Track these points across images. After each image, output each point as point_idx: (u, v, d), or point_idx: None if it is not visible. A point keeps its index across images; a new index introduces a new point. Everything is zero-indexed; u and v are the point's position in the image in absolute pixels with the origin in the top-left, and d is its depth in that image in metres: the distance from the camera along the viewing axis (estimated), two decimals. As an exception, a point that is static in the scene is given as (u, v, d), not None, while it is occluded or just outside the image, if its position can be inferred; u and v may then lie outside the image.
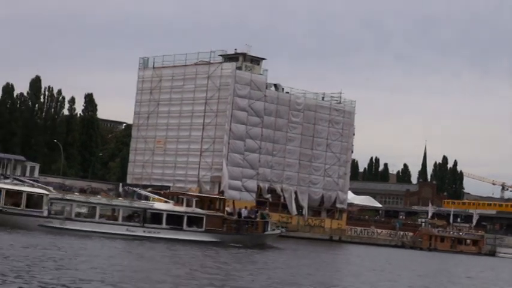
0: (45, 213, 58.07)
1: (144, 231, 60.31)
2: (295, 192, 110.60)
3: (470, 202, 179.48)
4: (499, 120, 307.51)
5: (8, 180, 64.35)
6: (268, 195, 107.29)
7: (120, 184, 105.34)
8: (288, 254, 62.30)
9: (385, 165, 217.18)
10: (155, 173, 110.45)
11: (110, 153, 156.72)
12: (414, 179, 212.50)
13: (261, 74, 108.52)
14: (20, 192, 58.48)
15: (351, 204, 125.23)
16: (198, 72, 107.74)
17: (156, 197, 70.22)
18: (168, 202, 64.65)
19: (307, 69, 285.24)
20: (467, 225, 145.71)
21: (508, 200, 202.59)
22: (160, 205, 63.58)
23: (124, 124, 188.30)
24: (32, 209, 57.84)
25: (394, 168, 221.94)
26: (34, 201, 58.56)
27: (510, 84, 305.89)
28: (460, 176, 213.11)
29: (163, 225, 61.50)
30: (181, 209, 63.12)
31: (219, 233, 63.95)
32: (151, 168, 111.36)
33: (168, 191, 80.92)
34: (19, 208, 57.58)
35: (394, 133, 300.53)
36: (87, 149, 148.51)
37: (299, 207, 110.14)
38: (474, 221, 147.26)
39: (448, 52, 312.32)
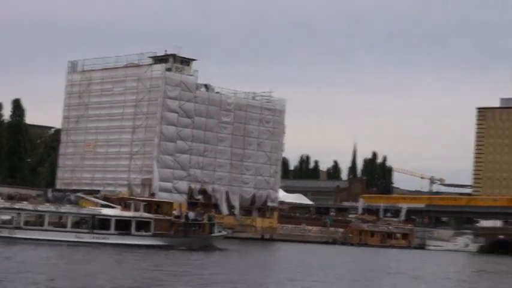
0: None
1: (93, 237, 60.53)
2: (227, 192, 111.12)
3: (399, 196, 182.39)
4: (427, 116, 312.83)
5: None
6: (200, 196, 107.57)
7: (49, 190, 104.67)
8: (225, 255, 63.11)
9: (316, 162, 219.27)
10: (85, 178, 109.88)
11: (38, 159, 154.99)
12: (344, 175, 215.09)
13: (191, 75, 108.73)
14: None
15: (282, 203, 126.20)
16: (128, 74, 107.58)
17: (89, 199, 70.49)
18: (115, 207, 64.97)
19: (237, 69, 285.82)
20: (396, 219, 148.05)
21: (437, 193, 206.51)
22: (109, 211, 63.85)
23: (53, 129, 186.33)
24: None
25: (325, 166, 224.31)
26: None
27: (433, 80, 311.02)
28: (389, 171, 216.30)
29: (112, 230, 61.73)
30: (129, 214, 63.59)
31: (166, 236, 64.48)
32: (81, 173, 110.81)
33: (116, 195, 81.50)
34: None
35: (324, 131, 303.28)
36: (16, 155, 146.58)
37: (231, 207, 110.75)
38: (403, 215, 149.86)
39: (378, 49, 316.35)
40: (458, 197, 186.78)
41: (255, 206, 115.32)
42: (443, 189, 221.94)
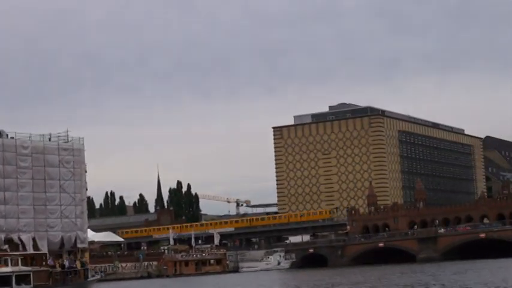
0: None
1: None
2: (33, 239, 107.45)
3: (207, 223, 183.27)
4: (225, 140, 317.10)
5: None
6: (6, 246, 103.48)
7: None
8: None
9: (121, 198, 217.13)
10: None
11: None
12: (152, 207, 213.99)
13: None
14: None
15: (92, 242, 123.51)
16: None
17: None
18: None
19: (29, 111, 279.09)
20: (208, 246, 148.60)
21: (244, 215, 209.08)
22: None
23: None
24: None
25: (131, 200, 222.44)
26: None
27: (231, 103, 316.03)
28: (195, 199, 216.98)
29: None
30: (8, 269, 65.26)
31: (46, 287, 66.20)
32: None
33: None
34: None
35: (126, 165, 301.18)
36: None
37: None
38: (216, 240, 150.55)
39: (166, 81, 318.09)
40: (266, 216, 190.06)
41: (64, 249, 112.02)
42: (250, 210, 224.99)
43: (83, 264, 72.76)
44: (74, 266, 71.22)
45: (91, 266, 72.95)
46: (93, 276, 72.97)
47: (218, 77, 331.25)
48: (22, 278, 64.99)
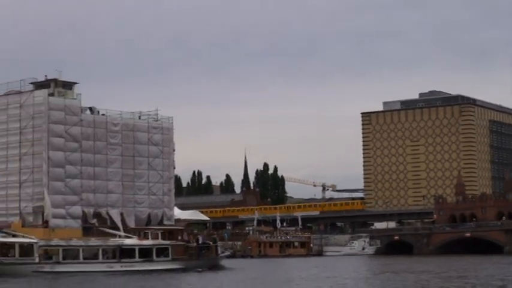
0: (37, 260, 64.93)
1: (121, 266, 67.25)
2: (121, 214, 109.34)
3: (293, 205, 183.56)
4: (314, 123, 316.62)
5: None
6: (94, 220, 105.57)
7: None
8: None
9: (208, 177, 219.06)
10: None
11: None
12: (238, 188, 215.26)
13: (74, 99, 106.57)
14: (13, 244, 66.07)
15: (178, 220, 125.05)
16: (10, 102, 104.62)
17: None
18: (133, 237, 72.30)
19: (120, 89, 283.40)
20: (293, 228, 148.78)
21: (330, 199, 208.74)
22: (131, 241, 70.95)
23: None
24: (24, 258, 64.78)
25: (217, 180, 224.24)
26: (25, 250, 65.38)
27: (319, 87, 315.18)
28: (281, 181, 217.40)
29: (136, 258, 68.87)
30: (150, 242, 70.79)
31: (182, 260, 70.87)
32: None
33: (8, 225, 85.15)
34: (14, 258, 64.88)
35: (214, 145, 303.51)
36: None
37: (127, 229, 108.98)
38: (299, 223, 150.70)
39: (257, 63, 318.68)
40: (351, 201, 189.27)
41: (151, 226, 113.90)
42: (335, 195, 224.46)
43: (214, 240, 78.50)
44: (207, 242, 76.47)
45: (220, 243, 79.45)
46: (222, 252, 78.69)
47: (309, 60, 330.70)
48: (161, 251, 70.24)
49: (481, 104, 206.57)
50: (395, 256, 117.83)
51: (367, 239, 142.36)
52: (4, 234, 69.63)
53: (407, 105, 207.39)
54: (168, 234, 74.21)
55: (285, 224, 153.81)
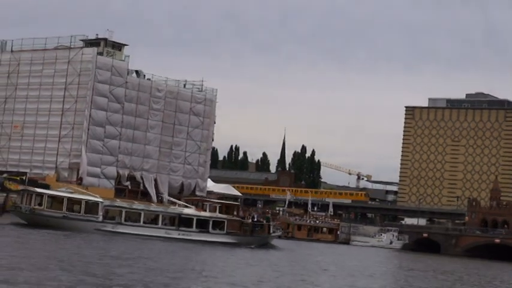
0: (100, 219, 67.38)
1: (179, 234, 69.57)
2: (155, 180, 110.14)
3: (326, 191, 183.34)
4: (356, 111, 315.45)
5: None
6: (128, 183, 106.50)
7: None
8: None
9: (245, 153, 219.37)
10: (11, 159, 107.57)
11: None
12: (273, 167, 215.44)
13: (122, 60, 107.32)
14: (79, 200, 68.12)
15: (210, 192, 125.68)
16: (58, 57, 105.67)
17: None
18: (191, 207, 74.30)
19: (169, 56, 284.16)
20: (323, 214, 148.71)
21: (363, 189, 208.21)
22: (190, 211, 72.79)
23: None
24: (89, 215, 67.18)
25: (254, 157, 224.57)
26: (90, 207, 67.71)
27: (366, 75, 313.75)
28: (317, 166, 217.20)
29: (194, 228, 70.90)
30: (207, 214, 72.85)
31: (236, 235, 73.04)
32: (7, 154, 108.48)
33: (42, 178, 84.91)
34: (79, 214, 67.17)
35: (254, 122, 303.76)
36: None
37: (159, 195, 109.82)
38: (330, 210, 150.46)
39: (307, 43, 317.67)
40: (356, 192, 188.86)
41: (183, 195, 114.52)
42: (369, 185, 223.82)
43: (268, 219, 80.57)
44: (261, 220, 78.76)
45: (272, 223, 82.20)
46: (274, 232, 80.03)
47: (357, 47, 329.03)
48: (217, 224, 71.98)
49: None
50: (423, 253, 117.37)
51: (396, 233, 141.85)
52: (71, 190, 71.61)
53: (452, 104, 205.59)
54: (225, 208, 75.86)
55: (315, 209, 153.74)
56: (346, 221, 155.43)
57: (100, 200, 69.51)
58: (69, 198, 67.86)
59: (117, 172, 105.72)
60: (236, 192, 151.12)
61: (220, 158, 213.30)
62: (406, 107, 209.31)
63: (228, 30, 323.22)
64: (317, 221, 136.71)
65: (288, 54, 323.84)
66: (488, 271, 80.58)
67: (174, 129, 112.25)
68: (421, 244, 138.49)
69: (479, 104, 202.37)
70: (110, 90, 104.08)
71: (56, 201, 67.88)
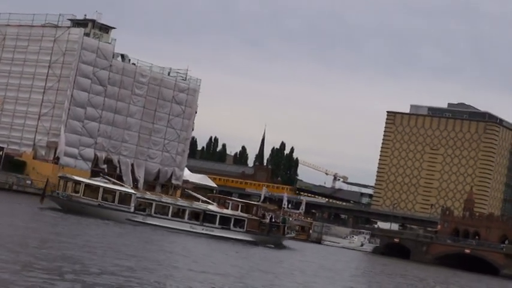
0: (132, 210, 69.60)
1: (203, 229, 72.10)
2: (132, 165, 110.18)
3: (302, 188, 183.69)
4: (338, 112, 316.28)
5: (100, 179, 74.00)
6: (104, 166, 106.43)
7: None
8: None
9: (224, 146, 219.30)
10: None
11: None
12: (251, 162, 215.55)
13: (108, 43, 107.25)
14: (114, 191, 70.34)
15: (186, 182, 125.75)
16: (45, 34, 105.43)
17: None
18: (212, 204, 76.79)
19: (155, 42, 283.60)
20: (297, 211, 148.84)
21: (339, 190, 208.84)
22: (214, 208, 75.56)
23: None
24: (122, 205, 69.35)
25: (232, 150, 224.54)
26: (124, 198, 70.05)
27: (350, 77, 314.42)
28: (295, 163, 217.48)
29: (217, 224, 73.59)
30: (229, 212, 75.88)
31: (255, 234, 75.70)
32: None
33: (19, 155, 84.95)
34: (113, 203, 69.15)
35: (235, 115, 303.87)
36: None
37: (134, 180, 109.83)
38: (303, 207, 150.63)
39: (294, 41, 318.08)
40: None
41: (158, 182, 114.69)
42: (345, 186, 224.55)
43: (284, 220, 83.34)
44: (278, 221, 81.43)
45: (288, 225, 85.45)
46: (288, 233, 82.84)
47: (343, 49, 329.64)
48: (238, 222, 74.76)
49: (507, 125, 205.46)
50: (394, 258, 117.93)
51: (368, 236, 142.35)
52: (106, 180, 73.47)
53: (434, 112, 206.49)
54: (246, 207, 78.75)
55: (290, 206, 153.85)
56: (320, 220, 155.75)
57: (133, 191, 72.85)
58: (104, 188, 69.93)
59: (95, 154, 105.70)
60: (212, 183, 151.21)
61: (199, 148, 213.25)
62: (387, 112, 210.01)
63: (217, 21, 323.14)
64: (290, 218, 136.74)
65: (274, 50, 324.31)
66: (456, 279, 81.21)
67: (155, 116, 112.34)
68: (392, 249, 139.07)
69: (460, 114, 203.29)
70: (93, 72, 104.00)
71: (91, 189, 69.51)
